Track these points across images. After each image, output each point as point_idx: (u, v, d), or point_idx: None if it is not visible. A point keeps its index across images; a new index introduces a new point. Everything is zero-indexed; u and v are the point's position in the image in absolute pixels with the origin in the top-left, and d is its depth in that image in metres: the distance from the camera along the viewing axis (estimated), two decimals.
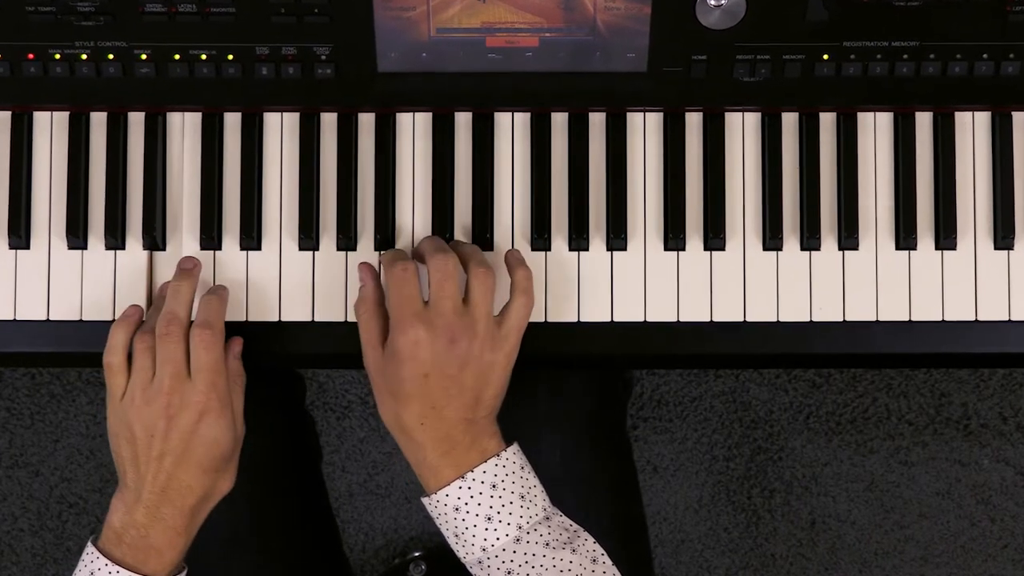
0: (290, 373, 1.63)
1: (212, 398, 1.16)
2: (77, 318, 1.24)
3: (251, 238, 1.24)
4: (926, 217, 1.25)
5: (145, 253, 1.24)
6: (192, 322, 1.19)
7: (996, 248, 1.24)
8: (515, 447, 1.18)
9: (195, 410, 1.16)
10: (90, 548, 1.16)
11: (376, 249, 1.24)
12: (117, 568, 1.14)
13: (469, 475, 1.15)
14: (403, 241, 1.24)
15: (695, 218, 1.24)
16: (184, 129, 1.25)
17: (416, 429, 1.16)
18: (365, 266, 1.22)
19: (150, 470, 1.15)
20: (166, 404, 1.15)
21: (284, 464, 1.47)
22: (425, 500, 1.17)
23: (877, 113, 1.25)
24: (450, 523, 1.15)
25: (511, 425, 1.43)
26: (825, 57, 1.21)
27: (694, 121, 1.25)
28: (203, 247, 1.24)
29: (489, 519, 1.14)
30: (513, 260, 1.21)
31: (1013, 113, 1.25)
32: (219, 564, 1.39)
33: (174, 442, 1.15)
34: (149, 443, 1.15)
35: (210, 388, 1.16)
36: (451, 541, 1.17)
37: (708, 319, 1.24)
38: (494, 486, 1.15)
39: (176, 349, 1.16)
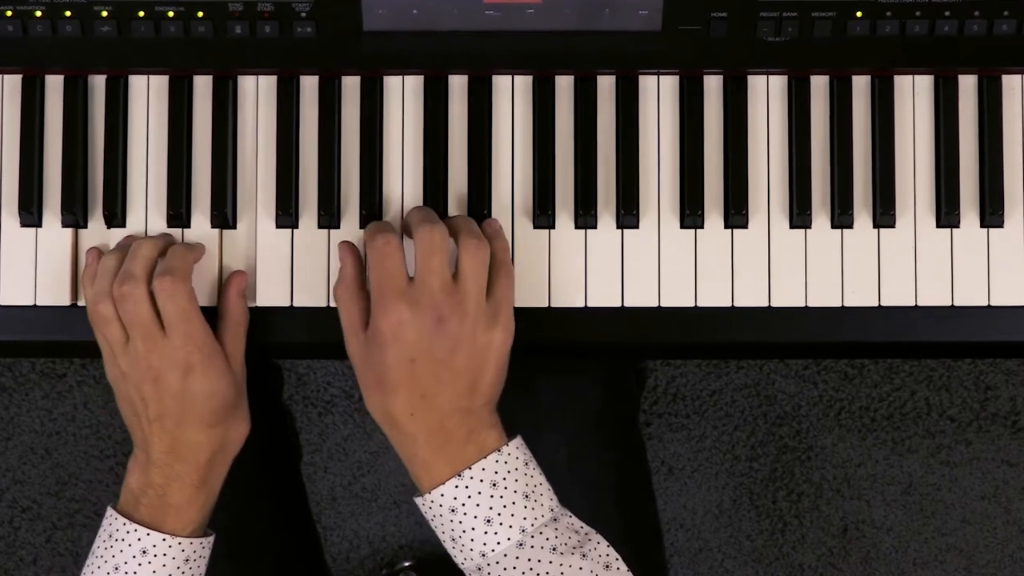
0: (266, 364, 1.64)
1: (192, 351, 1.18)
2: (31, 303, 1.24)
3: (223, 215, 1.24)
4: (970, 192, 1.25)
5: (106, 231, 1.25)
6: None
7: None
8: (518, 441, 1.18)
9: (179, 368, 1.18)
10: (109, 511, 1.20)
11: (361, 227, 1.25)
12: (135, 526, 1.18)
13: (467, 472, 1.15)
14: (391, 218, 1.25)
15: (714, 193, 1.25)
16: (149, 94, 1.26)
17: (406, 420, 1.16)
18: (346, 245, 1.22)
19: (153, 432, 1.19)
20: (147, 367, 1.18)
21: (259, 465, 1.48)
22: (418, 500, 1.17)
23: (916, 76, 1.26)
24: (446, 526, 1.16)
25: (512, 422, 1.43)
26: (858, 14, 1.21)
27: (713, 85, 1.26)
28: (170, 224, 1.24)
29: (489, 521, 1.15)
30: (492, 232, 1.22)
31: None
32: None
33: (168, 403, 1.18)
34: (144, 406, 1.19)
35: (186, 341, 1.18)
36: (447, 545, 1.17)
37: (729, 304, 1.25)
38: (494, 484, 1.15)
39: (138, 309, 1.18)
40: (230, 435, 1.22)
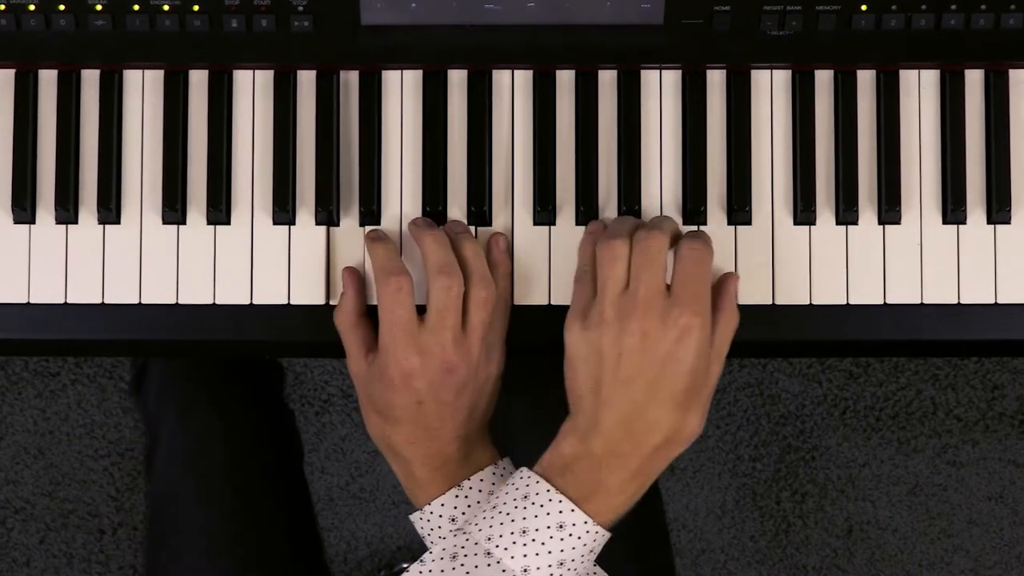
0: (266, 362, 1.64)
1: (702, 316, 1.13)
2: (24, 301, 1.24)
3: (219, 211, 1.24)
4: (976, 187, 1.25)
5: (100, 228, 1.25)
6: None
7: None
8: (508, 459, 1.22)
9: (678, 331, 1.13)
10: (527, 472, 1.15)
11: (360, 224, 1.25)
12: (560, 496, 1.12)
13: (466, 483, 1.18)
14: (390, 214, 1.25)
15: (717, 189, 1.25)
16: (144, 89, 1.26)
17: (405, 448, 1.19)
18: (348, 272, 1.23)
19: (615, 396, 1.13)
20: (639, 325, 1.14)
21: (263, 465, 1.48)
22: (415, 516, 1.19)
23: (922, 71, 1.26)
24: (444, 536, 1.17)
25: (516, 423, 1.43)
26: (863, 8, 1.21)
27: (716, 80, 1.26)
28: (165, 221, 1.24)
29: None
30: (497, 257, 1.23)
31: None
32: None
33: (647, 366, 1.13)
34: (616, 365, 1.13)
35: (697, 300, 1.14)
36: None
37: None
38: (491, 494, 1.17)
39: (657, 268, 1.15)
40: (690, 428, 1.15)
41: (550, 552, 1.10)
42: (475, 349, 1.18)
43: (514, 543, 1.11)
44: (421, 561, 1.12)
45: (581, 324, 1.15)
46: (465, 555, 1.10)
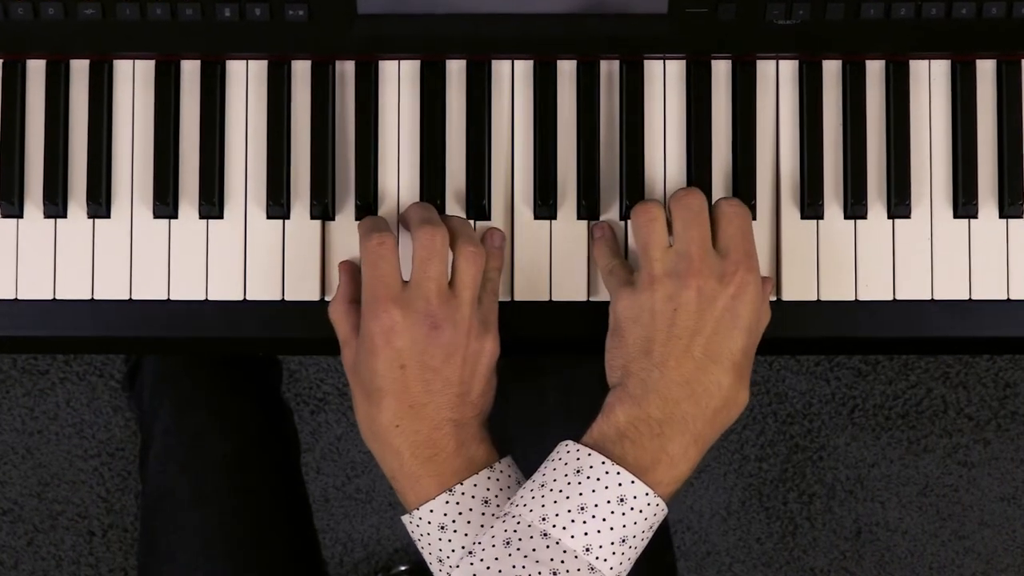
0: (263, 359, 1.63)
1: (756, 272, 1.15)
2: (12, 297, 1.24)
3: (212, 204, 1.24)
4: (988, 181, 1.25)
5: (89, 222, 1.25)
6: None
7: None
8: (510, 459, 1.18)
9: (735, 288, 1.14)
10: (572, 445, 1.12)
11: (356, 218, 1.25)
12: (618, 468, 1.09)
13: (458, 488, 1.14)
14: (387, 208, 1.25)
15: (722, 181, 1.25)
16: (134, 79, 1.26)
17: (392, 432, 1.15)
18: (345, 264, 1.22)
19: (673, 353, 1.13)
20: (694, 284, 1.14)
21: (260, 464, 1.48)
22: (405, 518, 1.17)
23: (932, 61, 1.26)
24: (433, 545, 1.15)
25: (516, 423, 1.43)
26: None
27: (721, 70, 1.26)
28: (156, 215, 1.24)
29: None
30: (491, 247, 1.21)
31: None
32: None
33: (707, 322, 1.13)
34: (671, 320, 1.13)
35: (750, 258, 1.16)
36: (434, 568, 1.16)
37: None
38: (486, 502, 1.15)
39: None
40: (743, 399, 1.15)
41: (612, 528, 1.08)
42: (465, 309, 1.15)
43: (572, 521, 1.08)
44: (470, 553, 1.09)
45: (630, 291, 1.16)
46: (520, 539, 1.08)
